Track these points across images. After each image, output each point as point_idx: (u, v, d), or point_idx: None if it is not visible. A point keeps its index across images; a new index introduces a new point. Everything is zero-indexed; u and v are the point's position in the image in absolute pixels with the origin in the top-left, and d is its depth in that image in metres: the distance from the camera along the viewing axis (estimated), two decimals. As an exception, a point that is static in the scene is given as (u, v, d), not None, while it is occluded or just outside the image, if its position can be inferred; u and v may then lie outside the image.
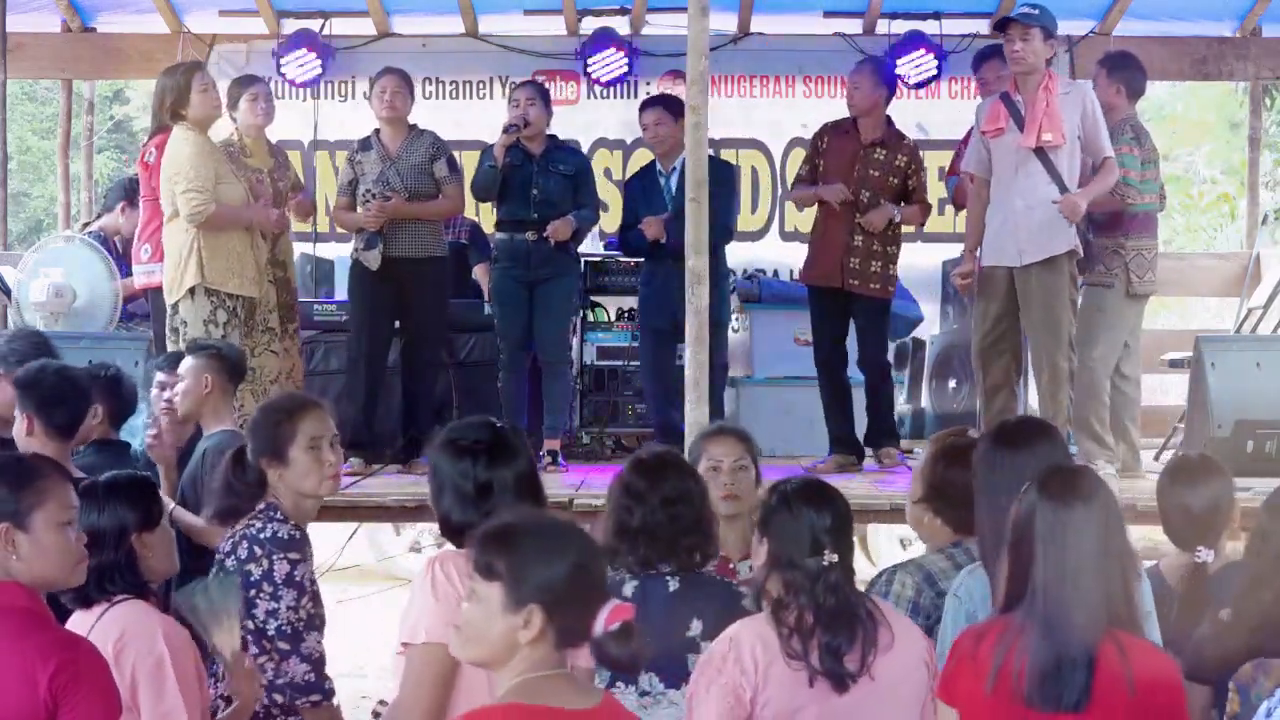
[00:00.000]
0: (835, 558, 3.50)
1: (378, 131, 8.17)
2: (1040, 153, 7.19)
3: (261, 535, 4.30)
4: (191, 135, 7.31)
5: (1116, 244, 7.71)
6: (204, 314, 7.25)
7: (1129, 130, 7.74)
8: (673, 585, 3.91)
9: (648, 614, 3.81)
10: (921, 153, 8.35)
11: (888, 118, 8.23)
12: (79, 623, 3.83)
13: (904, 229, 8.27)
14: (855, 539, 3.69)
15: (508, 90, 10.54)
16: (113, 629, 3.76)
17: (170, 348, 7.19)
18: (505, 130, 8.10)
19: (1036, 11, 7.24)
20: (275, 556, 4.26)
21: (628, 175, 10.69)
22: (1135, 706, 3.23)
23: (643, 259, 8.57)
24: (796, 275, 10.64)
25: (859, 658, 3.46)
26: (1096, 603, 3.25)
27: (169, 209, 7.36)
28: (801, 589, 3.47)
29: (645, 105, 8.51)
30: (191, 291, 7.26)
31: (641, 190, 8.47)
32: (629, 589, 3.91)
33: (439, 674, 3.46)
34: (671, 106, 8.30)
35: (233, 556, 4.29)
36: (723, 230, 8.56)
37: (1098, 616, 3.24)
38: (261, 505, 4.39)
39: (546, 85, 9.04)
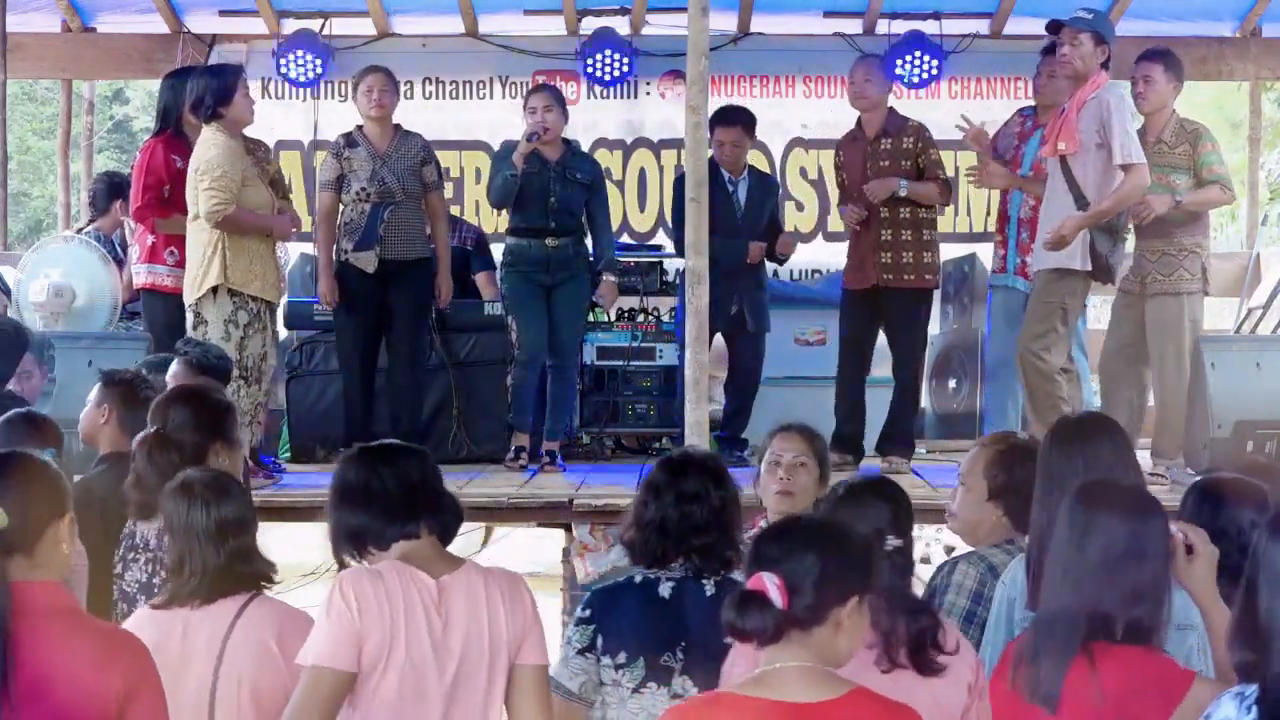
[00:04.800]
0: (900, 542, 3.56)
1: (360, 128, 8.12)
2: (1063, 162, 7.13)
3: None
4: (222, 137, 7.32)
5: (1196, 244, 7.55)
6: (225, 314, 7.27)
7: (1179, 125, 7.64)
8: (709, 590, 3.90)
9: (684, 617, 3.82)
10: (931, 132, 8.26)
11: (890, 108, 8.22)
12: (203, 616, 3.72)
13: (931, 213, 8.14)
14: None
15: (510, 89, 10.60)
16: (268, 623, 3.69)
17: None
18: (527, 139, 8.04)
19: (1090, 16, 7.14)
20: None
21: (627, 175, 10.77)
22: (1109, 714, 3.24)
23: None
24: (797, 275, 10.69)
25: (935, 646, 3.48)
26: (1088, 610, 3.29)
27: (193, 208, 7.34)
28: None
29: (725, 121, 8.48)
30: (214, 291, 7.27)
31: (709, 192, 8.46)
32: (665, 590, 3.91)
33: (325, 698, 3.46)
34: (750, 124, 8.55)
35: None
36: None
37: (1086, 622, 3.29)
38: None
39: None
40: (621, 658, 3.82)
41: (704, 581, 3.93)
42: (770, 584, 2.89)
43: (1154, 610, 3.32)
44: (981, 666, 3.68)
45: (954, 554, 4.42)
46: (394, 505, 3.59)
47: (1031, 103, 8.54)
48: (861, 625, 2.98)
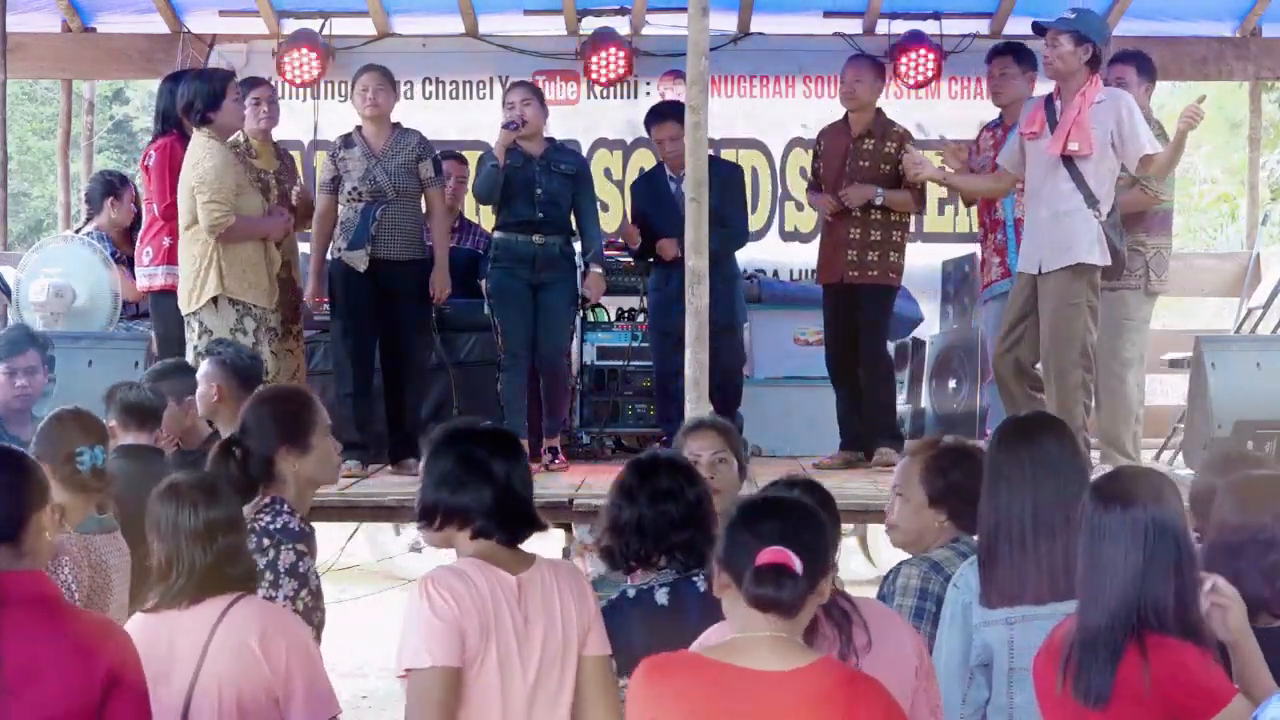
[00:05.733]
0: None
1: (359, 129, 8.10)
2: (1068, 161, 7.06)
3: (272, 527, 4.27)
4: (215, 145, 7.34)
5: (1137, 242, 7.64)
6: (230, 322, 7.31)
7: (1156, 127, 7.69)
8: (703, 586, 3.89)
9: (686, 619, 3.81)
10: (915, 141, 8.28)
11: (878, 109, 8.24)
12: (189, 619, 3.69)
13: (904, 217, 8.19)
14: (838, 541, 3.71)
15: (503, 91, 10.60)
16: (250, 624, 3.66)
17: (189, 355, 7.27)
18: (505, 127, 8.05)
19: (1073, 16, 7.15)
20: (283, 546, 4.23)
21: (627, 175, 10.75)
22: (1154, 704, 3.28)
23: (650, 260, 8.58)
24: (796, 275, 10.69)
25: (837, 655, 3.45)
26: (1127, 605, 3.32)
27: (187, 217, 7.37)
28: None
29: (658, 118, 8.43)
30: (214, 301, 7.30)
31: (651, 196, 8.46)
32: (662, 596, 3.91)
33: (443, 697, 3.43)
34: (683, 117, 8.30)
35: None
36: (739, 236, 8.59)
37: (1127, 618, 3.31)
38: (266, 500, 4.35)
39: (543, 85, 9.03)
40: None
41: (695, 579, 3.93)
42: (791, 556, 3.02)
43: (1193, 591, 3.34)
44: (925, 648, 3.72)
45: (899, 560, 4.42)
46: (512, 498, 3.60)
47: (988, 112, 8.48)
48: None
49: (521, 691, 3.51)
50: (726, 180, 8.44)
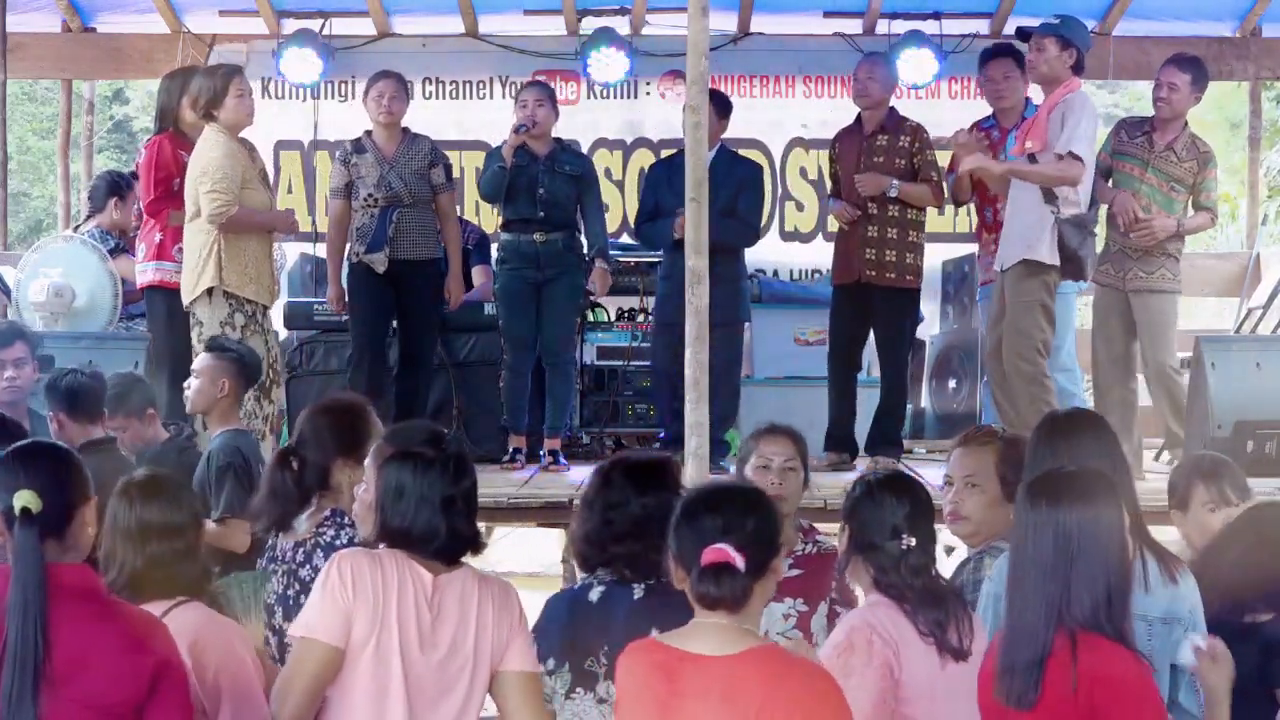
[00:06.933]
0: (913, 541, 3.67)
1: (369, 133, 8.12)
2: (1032, 160, 7.22)
3: (337, 543, 4.25)
4: (221, 137, 7.36)
5: (1176, 249, 7.79)
6: (221, 316, 7.29)
7: (1213, 157, 7.82)
8: (637, 594, 3.89)
9: (608, 622, 3.82)
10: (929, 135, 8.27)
11: (891, 107, 8.25)
12: None
13: (919, 215, 8.17)
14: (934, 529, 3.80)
15: (510, 89, 10.59)
16: (183, 633, 3.58)
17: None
18: (515, 130, 8.06)
19: (1057, 21, 7.27)
20: None
21: (628, 175, 10.76)
22: (1080, 704, 3.23)
23: (659, 255, 8.56)
24: (797, 275, 10.69)
25: (957, 635, 3.63)
26: (1049, 604, 3.28)
27: (192, 208, 7.38)
28: (888, 569, 3.66)
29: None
30: (209, 293, 7.30)
31: (668, 181, 8.42)
32: (595, 594, 3.91)
33: (315, 670, 3.47)
34: (715, 101, 8.04)
35: (308, 566, 4.24)
36: (750, 233, 8.53)
37: (1049, 617, 3.27)
38: (326, 511, 4.35)
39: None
40: (550, 664, 3.82)
41: (633, 586, 3.90)
42: (732, 553, 3.16)
43: (1120, 596, 3.31)
44: None
45: (973, 551, 4.40)
46: (463, 528, 3.64)
47: (988, 113, 8.48)
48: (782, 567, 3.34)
49: (421, 686, 3.49)
50: (746, 179, 8.40)
